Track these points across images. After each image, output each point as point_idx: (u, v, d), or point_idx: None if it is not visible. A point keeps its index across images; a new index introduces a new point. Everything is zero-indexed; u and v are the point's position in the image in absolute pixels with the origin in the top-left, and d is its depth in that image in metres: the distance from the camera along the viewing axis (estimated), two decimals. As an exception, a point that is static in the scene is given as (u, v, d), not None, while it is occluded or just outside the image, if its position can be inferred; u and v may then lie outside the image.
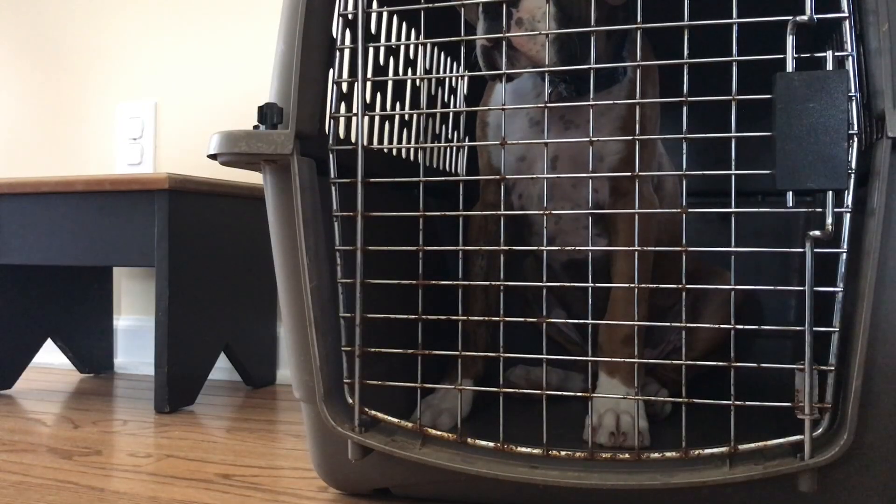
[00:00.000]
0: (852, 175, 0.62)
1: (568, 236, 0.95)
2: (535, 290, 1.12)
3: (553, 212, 0.93)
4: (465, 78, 1.22)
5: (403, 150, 1.07)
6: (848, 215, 0.63)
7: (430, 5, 0.76)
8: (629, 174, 0.70)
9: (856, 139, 0.62)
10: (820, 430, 0.65)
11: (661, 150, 1.01)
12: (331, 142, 0.78)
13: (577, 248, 0.81)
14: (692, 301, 1.02)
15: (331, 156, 0.77)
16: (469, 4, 0.78)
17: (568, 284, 0.77)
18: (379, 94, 0.99)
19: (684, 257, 0.68)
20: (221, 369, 1.64)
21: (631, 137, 0.70)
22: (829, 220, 0.62)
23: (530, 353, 0.73)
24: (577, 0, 0.78)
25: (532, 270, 1.15)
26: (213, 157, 0.75)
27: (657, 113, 0.94)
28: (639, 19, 0.67)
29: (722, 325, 0.71)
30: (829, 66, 0.61)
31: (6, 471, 0.95)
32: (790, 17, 0.62)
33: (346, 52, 0.78)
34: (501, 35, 0.73)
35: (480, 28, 0.76)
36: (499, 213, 0.74)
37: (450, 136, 1.27)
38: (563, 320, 1.11)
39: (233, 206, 1.46)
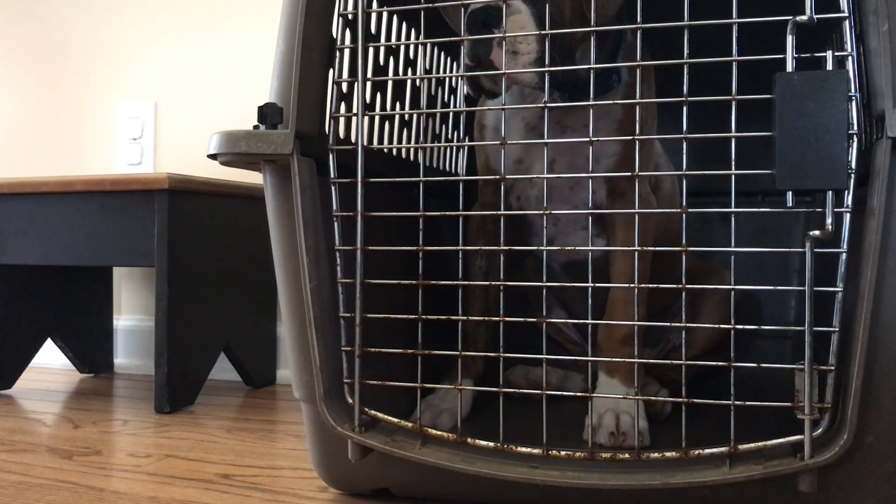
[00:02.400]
0: (852, 175, 0.62)
1: (566, 237, 0.96)
2: (536, 290, 1.12)
3: (553, 212, 0.93)
4: (466, 78, 1.22)
5: (403, 150, 1.07)
6: (848, 215, 0.63)
7: (431, 5, 0.76)
8: (627, 174, 0.70)
9: (856, 139, 0.62)
10: (820, 430, 0.65)
11: (659, 150, 1.01)
12: (331, 142, 0.78)
13: (577, 248, 0.81)
14: (689, 300, 1.03)
15: (331, 156, 0.77)
16: (454, 17, 0.77)
17: (567, 285, 0.77)
18: (379, 94, 0.99)
19: (684, 257, 0.68)
20: (221, 369, 1.64)
21: (630, 137, 0.70)
22: (829, 220, 0.62)
23: (530, 354, 0.73)
24: (560, 21, 0.78)
25: (532, 270, 1.15)
26: (213, 157, 0.75)
27: (654, 114, 0.94)
28: (639, 19, 0.67)
29: (722, 325, 0.71)
30: (829, 66, 0.61)
31: (6, 471, 0.95)
32: (790, 17, 0.62)
33: (346, 52, 0.78)
34: (501, 34, 0.73)
35: (464, 50, 0.76)
36: (498, 213, 0.74)
37: (450, 136, 1.27)
38: (562, 320, 1.11)
39: (233, 206, 1.46)
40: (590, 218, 0.73)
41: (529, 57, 0.74)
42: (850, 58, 0.64)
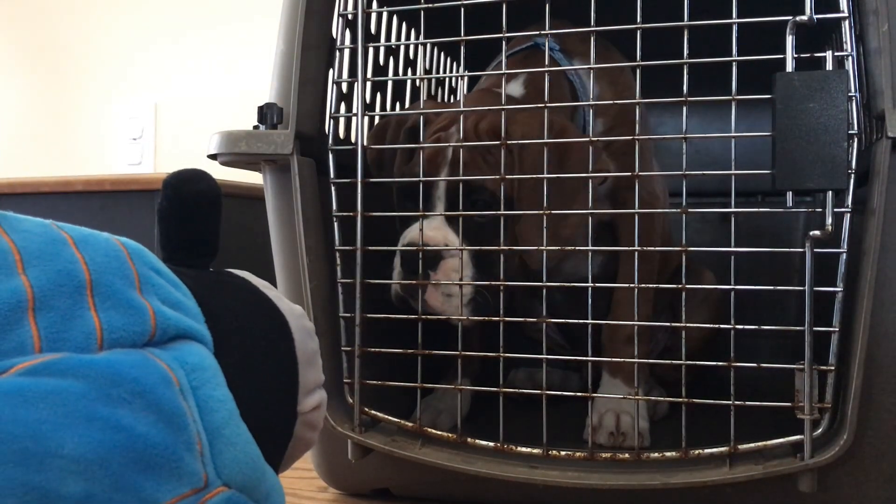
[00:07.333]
0: (852, 175, 0.62)
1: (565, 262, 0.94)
2: (525, 297, 1.10)
3: (553, 212, 0.92)
4: (465, 78, 1.22)
5: (403, 150, 1.07)
6: (848, 215, 0.63)
7: (431, 5, 0.76)
8: (629, 174, 0.70)
9: (856, 139, 0.62)
10: (820, 430, 0.65)
11: (651, 149, 1.00)
12: (330, 142, 0.78)
13: (577, 248, 0.80)
14: (671, 301, 1.02)
15: (330, 156, 0.77)
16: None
17: (567, 284, 0.77)
18: (379, 94, 0.99)
19: (684, 257, 0.68)
20: (221, 369, 1.63)
21: (632, 137, 0.70)
22: (829, 220, 0.62)
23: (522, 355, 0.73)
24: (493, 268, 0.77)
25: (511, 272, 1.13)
26: (213, 157, 0.75)
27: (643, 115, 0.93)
28: (639, 19, 0.67)
29: (722, 326, 0.70)
30: (829, 66, 0.61)
31: (6, 471, 0.95)
32: (790, 17, 0.62)
33: (346, 52, 0.78)
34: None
35: (396, 276, 0.76)
36: (499, 213, 0.74)
37: (450, 136, 1.27)
38: (557, 320, 1.10)
39: (233, 206, 1.46)
40: (590, 218, 0.73)
41: (465, 298, 0.76)
42: (849, 58, 0.64)
